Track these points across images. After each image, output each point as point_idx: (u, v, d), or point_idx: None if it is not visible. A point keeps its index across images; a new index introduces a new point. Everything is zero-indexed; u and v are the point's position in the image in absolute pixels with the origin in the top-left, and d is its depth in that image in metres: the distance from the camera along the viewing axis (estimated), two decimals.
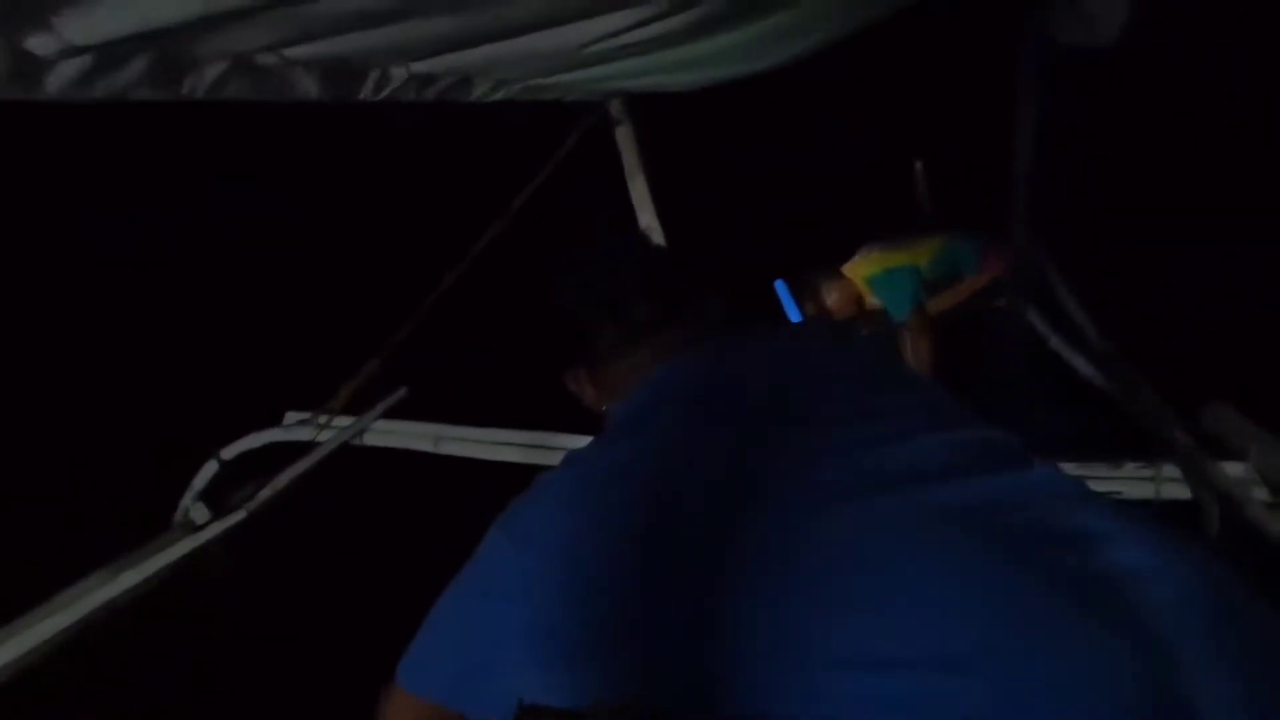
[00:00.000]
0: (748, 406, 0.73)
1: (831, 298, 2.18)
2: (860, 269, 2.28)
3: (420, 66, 0.90)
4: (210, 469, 1.82)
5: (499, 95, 1.14)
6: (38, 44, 0.51)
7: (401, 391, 2.09)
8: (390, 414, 2.01)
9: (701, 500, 0.67)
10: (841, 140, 2.79)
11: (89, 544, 1.47)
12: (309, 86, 0.78)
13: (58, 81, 0.55)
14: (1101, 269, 2.26)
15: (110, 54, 0.56)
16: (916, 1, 1.34)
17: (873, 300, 2.34)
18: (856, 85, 2.58)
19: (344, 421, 1.97)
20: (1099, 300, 2.04)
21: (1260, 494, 1.40)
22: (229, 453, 1.88)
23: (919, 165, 3.35)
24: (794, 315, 2.06)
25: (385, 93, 0.91)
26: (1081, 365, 1.94)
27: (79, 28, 0.51)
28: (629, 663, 0.63)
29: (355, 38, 0.72)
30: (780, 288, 2.08)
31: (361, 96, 0.88)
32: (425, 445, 1.95)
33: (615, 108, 1.55)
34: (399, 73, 0.90)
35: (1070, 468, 1.56)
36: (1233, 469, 1.41)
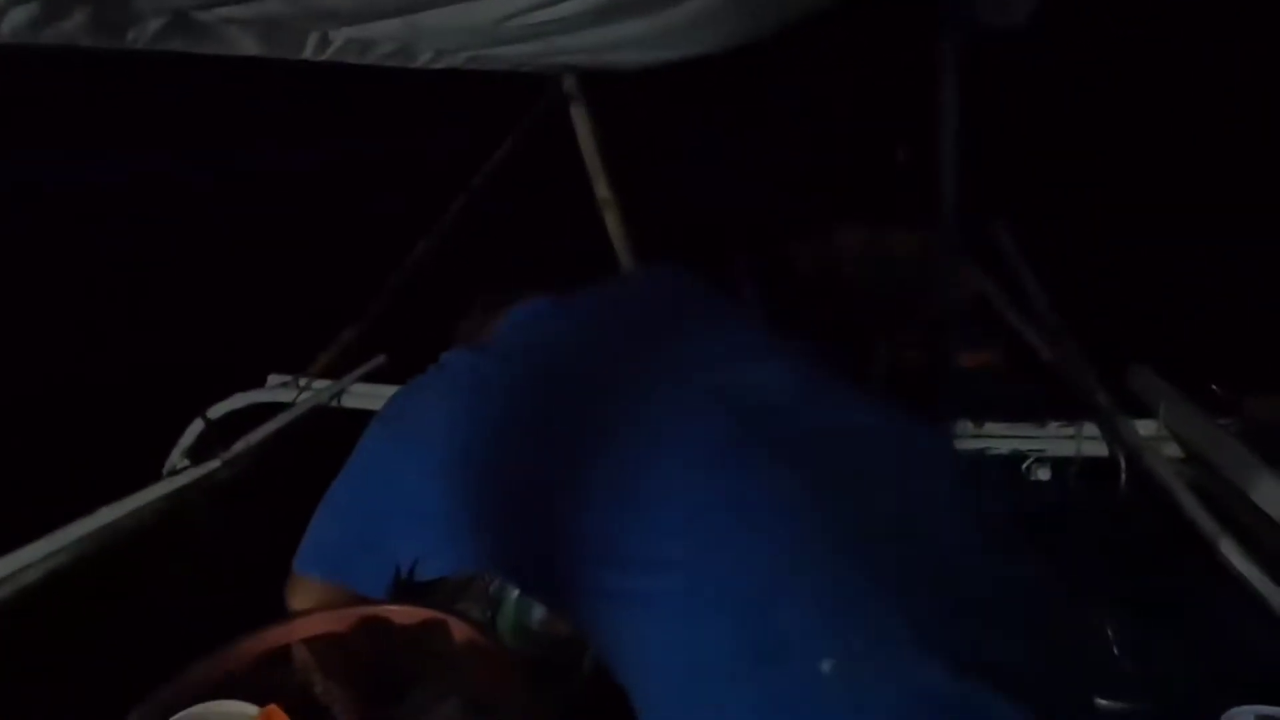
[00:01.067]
0: (596, 339, 0.86)
1: (809, 264, 2.26)
2: (840, 241, 2.35)
3: (355, 32, 0.99)
4: (196, 427, 1.93)
5: (443, 64, 1.23)
6: None
7: (380, 358, 2.19)
8: (367, 378, 2.11)
9: (553, 408, 0.79)
10: (813, 121, 2.87)
11: (82, 494, 1.58)
12: (249, 45, 0.88)
13: (10, 25, 0.65)
14: (1053, 240, 2.34)
15: (54, 4, 0.66)
16: None
17: (847, 271, 2.41)
18: (821, 67, 2.66)
19: (323, 384, 2.08)
20: (1049, 268, 2.12)
21: (1172, 449, 1.48)
22: (215, 412, 1.99)
23: (901, 149, 3.41)
24: (749, 285, 2.14)
25: (327, 54, 1.00)
26: (1025, 330, 2.02)
27: None
28: (489, 539, 0.74)
29: (278, 3, 0.81)
30: (740, 257, 2.16)
31: (304, 56, 0.97)
32: None
33: (569, 85, 1.64)
34: (337, 36, 0.99)
35: (999, 427, 1.65)
36: (1145, 426, 1.49)
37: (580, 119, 1.71)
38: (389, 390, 2.06)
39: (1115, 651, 1.08)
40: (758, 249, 2.21)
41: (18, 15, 0.65)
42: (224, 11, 0.80)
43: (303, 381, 2.09)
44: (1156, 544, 1.28)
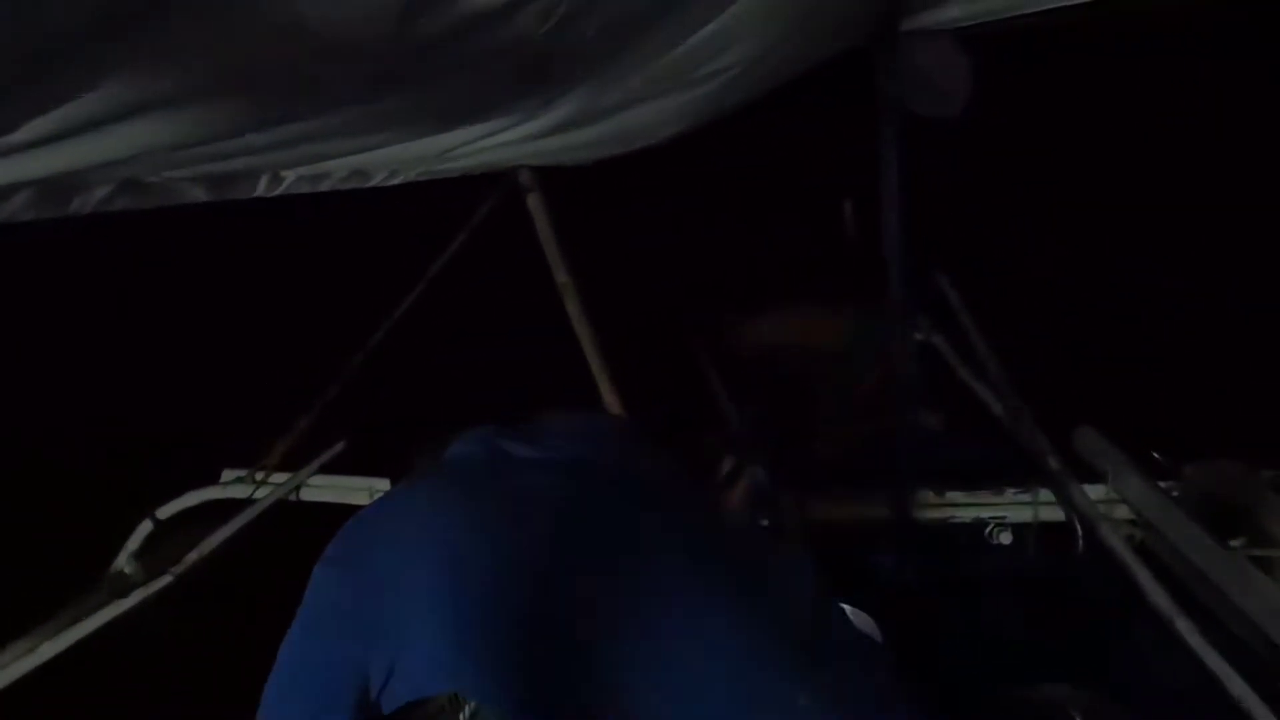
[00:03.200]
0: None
1: (743, 346, 2.33)
2: (766, 334, 2.42)
3: (307, 170, 1.00)
4: (145, 528, 1.84)
5: (397, 180, 1.24)
6: None
7: (339, 445, 2.14)
8: (328, 468, 2.05)
9: (545, 543, 0.79)
10: (764, 194, 2.97)
11: (18, 604, 1.50)
12: (199, 194, 0.88)
13: None
14: (1000, 300, 2.44)
15: None
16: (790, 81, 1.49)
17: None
18: (766, 142, 2.75)
19: (281, 478, 2.01)
20: (996, 328, 2.20)
21: (1123, 512, 1.53)
22: (165, 512, 1.91)
23: (848, 205, 3.54)
24: (707, 361, 2.18)
25: (279, 190, 1.00)
26: (982, 393, 2.08)
27: None
28: (494, 661, 0.74)
29: (235, 162, 0.81)
30: (696, 335, 2.20)
31: (255, 194, 0.98)
32: (362, 499, 2.00)
33: (524, 176, 1.67)
34: (289, 174, 0.99)
35: (960, 496, 1.69)
36: (1095, 491, 1.55)
37: (536, 208, 1.74)
38: (351, 481, 2.05)
39: None
40: (711, 328, 2.26)
41: None
42: (174, 172, 0.80)
43: (259, 475, 2.03)
44: (1113, 613, 1.32)
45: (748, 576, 0.84)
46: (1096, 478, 1.59)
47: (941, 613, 1.55)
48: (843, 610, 1.00)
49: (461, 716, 1.12)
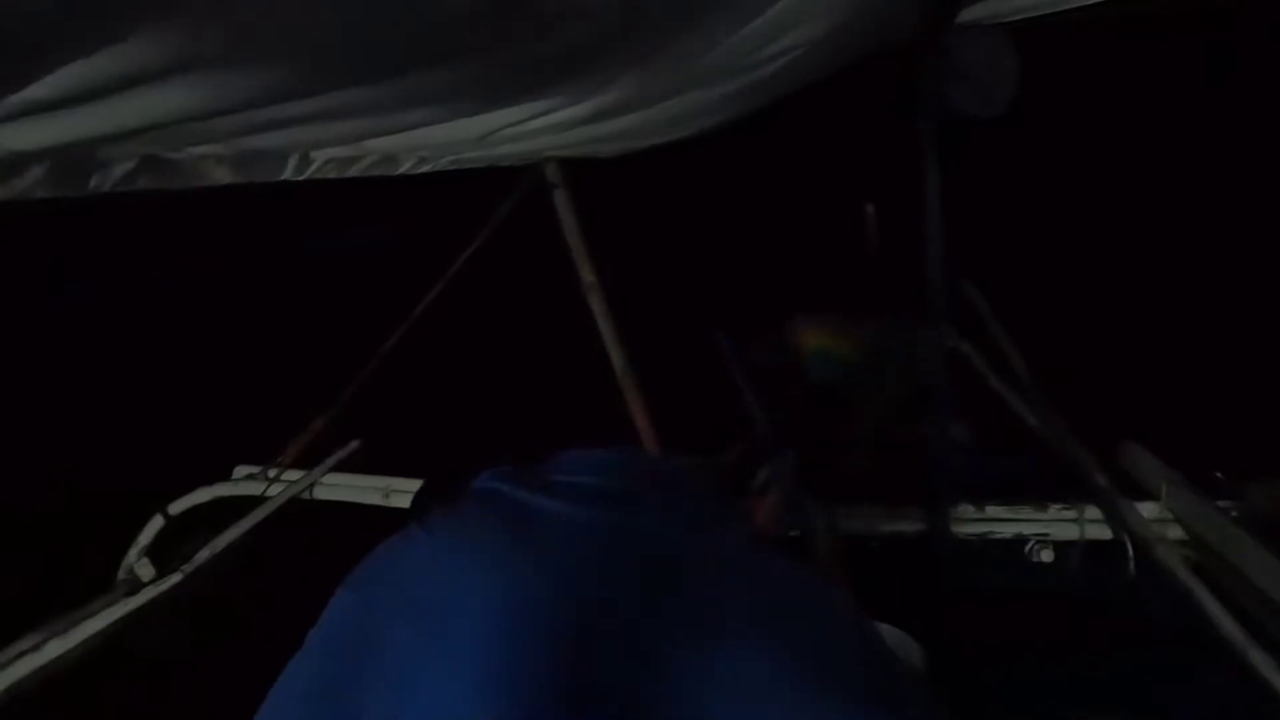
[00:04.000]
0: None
1: (773, 352, 2.28)
2: (801, 340, 2.36)
3: (338, 151, 0.94)
4: (156, 524, 1.80)
5: (425, 169, 1.19)
6: None
7: (355, 444, 2.09)
8: (341, 467, 2.01)
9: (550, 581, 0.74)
10: (789, 197, 2.90)
11: (31, 602, 1.46)
12: (224, 175, 0.82)
13: None
14: (1029, 307, 2.37)
15: (8, 164, 0.60)
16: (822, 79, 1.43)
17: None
18: (795, 145, 2.69)
19: (294, 475, 1.97)
20: (1027, 336, 2.13)
21: (1176, 532, 1.46)
22: (176, 508, 1.87)
23: (870, 209, 3.47)
24: (736, 366, 2.12)
25: (308, 174, 0.95)
26: (1015, 404, 2.01)
27: None
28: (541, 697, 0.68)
29: (265, 137, 0.76)
30: (724, 339, 2.14)
31: (283, 178, 0.92)
32: (376, 498, 1.96)
33: (551, 171, 1.62)
34: (319, 155, 0.94)
35: (1001, 510, 1.62)
36: (1148, 509, 1.47)
37: (562, 204, 1.68)
38: (363, 480, 2.00)
39: None
40: (739, 332, 2.20)
41: None
42: (199, 149, 0.75)
43: (272, 473, 1.98)
44: (1164, 638, 1.25)
45: (786, 611, 0.80)
46: (1143, 495, 1.52)
47: (980, 631, 1.48)
48: (880, 635, 0.94)
49: None
